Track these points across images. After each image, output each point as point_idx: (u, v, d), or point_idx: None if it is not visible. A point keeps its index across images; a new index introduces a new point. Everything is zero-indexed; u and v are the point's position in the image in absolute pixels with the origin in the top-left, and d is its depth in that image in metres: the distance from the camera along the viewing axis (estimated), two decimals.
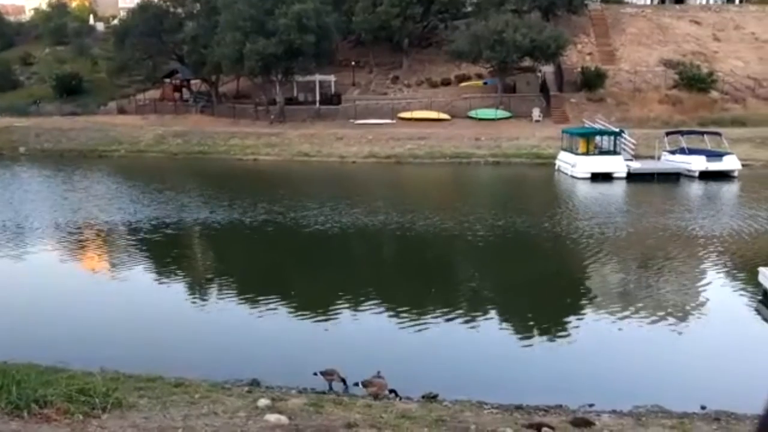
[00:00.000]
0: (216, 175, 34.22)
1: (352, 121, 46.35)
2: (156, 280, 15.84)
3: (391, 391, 8.02)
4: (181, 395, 6.86)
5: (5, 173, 35.31)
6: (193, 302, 13.92)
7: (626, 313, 11.97)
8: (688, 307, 12.38)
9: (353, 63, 53.20)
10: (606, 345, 10.36)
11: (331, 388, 8.39)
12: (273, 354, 10.12)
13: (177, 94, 56.77)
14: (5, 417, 4.88)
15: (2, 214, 22.69)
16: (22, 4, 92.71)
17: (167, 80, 56.74)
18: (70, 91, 59.82)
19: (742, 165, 31.33)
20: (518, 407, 7.50)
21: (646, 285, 14.04)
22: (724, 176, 30.70)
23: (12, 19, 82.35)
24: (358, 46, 56.19)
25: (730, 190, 29.00)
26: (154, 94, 57.08)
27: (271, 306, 12.93)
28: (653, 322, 11.56)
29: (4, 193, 28.44)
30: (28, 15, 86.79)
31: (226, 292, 14.57)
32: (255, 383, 8.25)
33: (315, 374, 8.49)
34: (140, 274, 16.17)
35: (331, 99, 50.18)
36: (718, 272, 15.26)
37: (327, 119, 47.59)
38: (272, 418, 6.02)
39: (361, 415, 6.53)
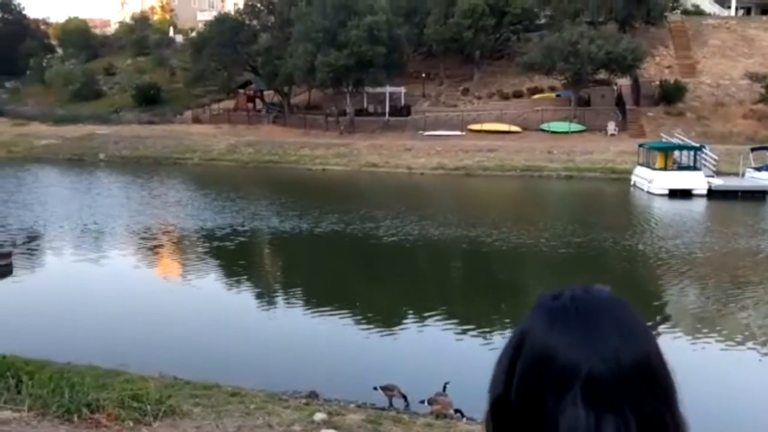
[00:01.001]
0: (285, 184, 34.52)
1: (421, 132, 46.13)
2: (223, 287, 15.90)
3: (456, 410, 7.63)
4: (237, 405, 6.66)
5: (86, 178, 36.63)
6: (258, 310, 13.85)
7: (710, 339, 11.19)
8: None
9: (424, 75, 53.04)
10: (689, 372, 9.65)
11: (391, 405, 8.05)
12: (334, 366, 9.85)
13: (250, 105, 57.95)
14: (55, 420, 4.77)
15: (81, 218, 23.38)
16: (108, 18, 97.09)
17: (241, 91, 57.97)
18: (149, 100, 61.89)
19: None
20: None
21: (736, 311, 13.11)
22: None
23: (98, 32, 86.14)
24: (429, 57, 56.03)
25: None
26: (228, 104, 58.42)
27: (336, 317, 12.71)
28: (740, 351, 10.74)
29: (84, 197, 29.42)
30: (113, 28, 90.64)
31: (291, 301, 14.46)
32: (313, 395, 7.99)
33: (375, 389, 8.17)
34: (208, 281, 16.25)
35: (401, 110, 50.14)
36: None
37: (396, 130, 47.52)
38: None
39: None
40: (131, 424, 4.97)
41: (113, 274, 16.64)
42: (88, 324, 11.54)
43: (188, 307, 13.70)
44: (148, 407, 5.25)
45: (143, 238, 20.95)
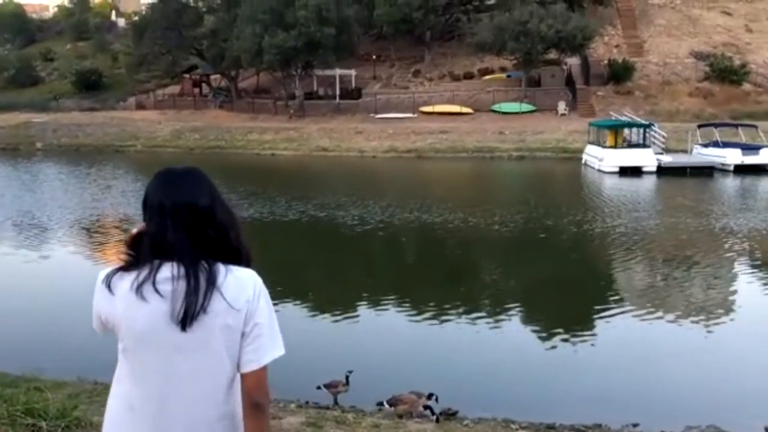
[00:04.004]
0: (233, 170, 33.44)
1: (372, 115, 45.46)
2: None
3: (426, 407, 6.88)
4: None
5: (21, 168, 34.92)
6: None
7: (666, 318, 10.82)
8: (736, 313, 11.19)
9: (374, 57, 52.28)
10: (646, 354, 9.24)
11: (336, 402, 7.43)
12: (276, 361, 9.17)
13: (196, 90, 56.39)
14: None
15: (12, 211, 22.07)
16: (46, 3, 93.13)
17: (186, 75, 56.29)
18: (90, 86, 59.74)
19: None
20: (550, 427, 6.49)
21: (687, 288, 12.83)
22: (760, 170, 29.27)
23: (35, 16, 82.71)
24: (380, 39, 55.28)
25: None
26: (173, 89, 56.71)
27: (281, 309, 12.00)
28: (697, 329, 10.40)
29: (17, 188, 27.92)
30: (51, 12, 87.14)
31: None
32: None
33: (318, 388, 7.50)
34: None
35: (352, 93, 49.33)
36: None
37: (347, 113, 46.74)
38: None
39: None
40: None
41: (45, 270, 15.56)
42: (4, 324, 10.59)
43: None
44: (44, 424, 4.52)
45: (82, 232, 19.79)
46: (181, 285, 1.94)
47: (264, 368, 2.04)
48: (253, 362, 2.03)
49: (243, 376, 2.04)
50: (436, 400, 6.95)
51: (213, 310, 1.95)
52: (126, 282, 1.99)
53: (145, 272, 1.97)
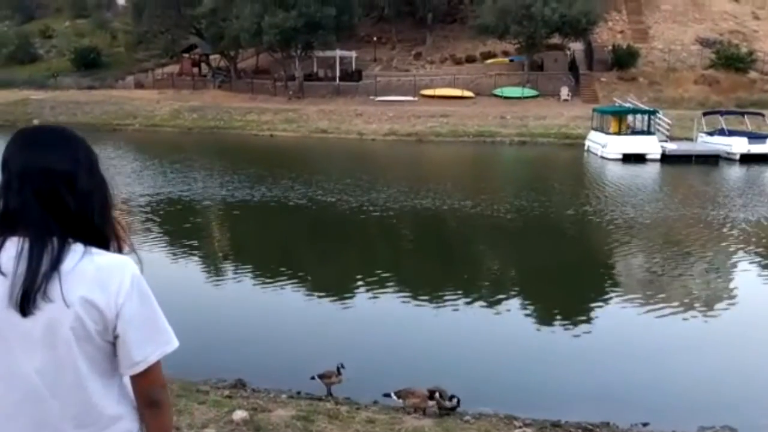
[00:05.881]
0: (231, 151, 33.06)
1: (372, 97, 44.93)
2: (158, 261, 14.60)
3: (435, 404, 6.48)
4: None
5: None
6: (192, 287, 12.64)
7: (677, 311, 10.42)
8: (750, 306, 10.77)
9: (375, 39, 51.65)
10: (656, 348, 8.85)
11: (329, 393, 7.07)
12: (269, 348, 8.81)
13: (195, 69, 55.75)
14: None
15: None
16: None
17: (186, 55, 55.67)
18: (89, 64, 59.16)
19: None
20: (556, 424, 6.14)
21: (698, 280, 12.41)
22: (767, 159, 28.83)
23: None
24: (381, 21, 54.63)
25: None
26: (172, 68, 56.13)
27: (278, 294, 11.61)
28: (710, 321, 10.01)
29: None
30: None
31: (230, 277, 13.27)
32: (239, 384, 6.94)
33: (312, 378, 7.14)
34: (141, 255, 14.86)
35: (352, 75, 48.76)
36: None
37: (347, 96, 46.20)
38: None
39: None
40: None
41: None
42: None
43: None
44: None
45: None
46: (23, 264, 1.67)
47: (155, 364, 1.80)
48: (140, 364, 1.78)
49: (131, 377, 1.82)
50: (458, 402, 6.44)
51: (60, 298, 1.66)
52: None
53: None
